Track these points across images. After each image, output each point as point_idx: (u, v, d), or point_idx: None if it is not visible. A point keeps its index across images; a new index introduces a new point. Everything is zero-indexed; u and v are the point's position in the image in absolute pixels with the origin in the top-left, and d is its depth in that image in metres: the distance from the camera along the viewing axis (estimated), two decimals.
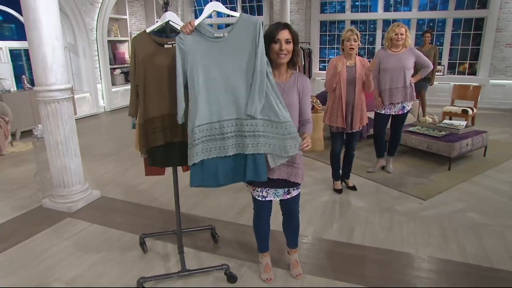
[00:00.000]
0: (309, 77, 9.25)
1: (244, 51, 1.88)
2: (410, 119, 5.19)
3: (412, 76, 3.92)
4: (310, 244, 2.85)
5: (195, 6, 11.00)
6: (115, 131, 6.83)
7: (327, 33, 10.25)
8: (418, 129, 4.84)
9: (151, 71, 2.11)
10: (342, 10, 9.82)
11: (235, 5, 10.58)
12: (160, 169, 2.51)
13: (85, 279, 2.43)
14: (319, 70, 10.29)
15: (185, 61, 1.87)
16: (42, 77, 3.17)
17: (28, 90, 6.37)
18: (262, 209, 2.28)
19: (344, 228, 3.06)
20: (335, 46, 10.14)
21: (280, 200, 2.24)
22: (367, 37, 9.78)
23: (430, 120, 5.06)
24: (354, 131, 3.51)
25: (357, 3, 9.72)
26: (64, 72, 3.27)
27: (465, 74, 8.93)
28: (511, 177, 4.14)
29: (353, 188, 3.82)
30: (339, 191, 3.75)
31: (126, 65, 8.73)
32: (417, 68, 4.01)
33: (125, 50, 8.92)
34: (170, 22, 2.22)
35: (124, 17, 8.74)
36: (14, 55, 7.07)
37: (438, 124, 4.89)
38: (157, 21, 2.34)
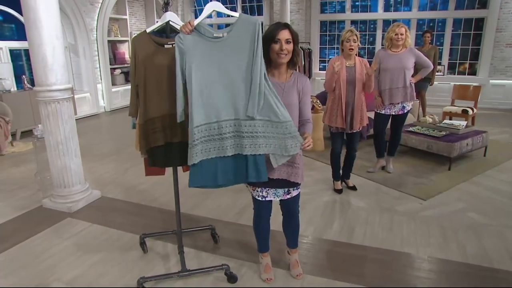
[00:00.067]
0: (309, 77, 9.25)
1: (243, 51, 1.88)
2: (410, 119, 5.19)
3: (412, 76, 3.92)
4: (310, 244, 2.85)
5: (195, 6, 11.01)
6: (115, 131, 6.83)
7: (327, 33, 10.25)
8: (418, 129, 4.84)
9: (151, 71, 2.11)
10: (342, 10, 9.82)
11: (235, 5, 10.59)
12: (160, 169, 2.51)
13: (85, 279, 2.43)
14: (319, 70, 10.29)
15: (184, 60, 1.87)
16: (42, 77, 3.17)
17: (28, 90, 6.37)
18: (262, 209, 2.28)
19: (344, 228, 3.06)
20: (335, 46, 10.14)
21: (280, 200, 2.24)
22: (367, 37, 9.78)
23: (430, 120, 5.06)
24: (354, 131, 3.51)
25: (357, 3, 9.72)
26: (64, 72, 3.27)
27: (465, 74, 8.93)
28: (511, 177, 4.14)
29: (353, 188, 3.82)
30: (339, 191, 3.75)
31: (126, 65, 8.73)
32: (417, 68, 4.01)
33: (125, 50, 8.92)
34: (170, 22, 2.22)
35: (124, 17, 8.74)
36: (14, 55, 7.07)
37: (438, 124, 4.89)
38: (157, 21, 2.34)
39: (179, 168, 2.43)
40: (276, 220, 2.44)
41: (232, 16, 1.96)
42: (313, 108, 4.87)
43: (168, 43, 2.13)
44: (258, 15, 10.42)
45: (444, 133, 4.63)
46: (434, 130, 4.75)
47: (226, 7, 2.12)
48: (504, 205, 3.45)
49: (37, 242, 2.88)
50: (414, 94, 3.96)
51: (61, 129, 3.28)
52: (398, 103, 3.93)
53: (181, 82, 1.89)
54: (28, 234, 2.99)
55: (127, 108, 2.42)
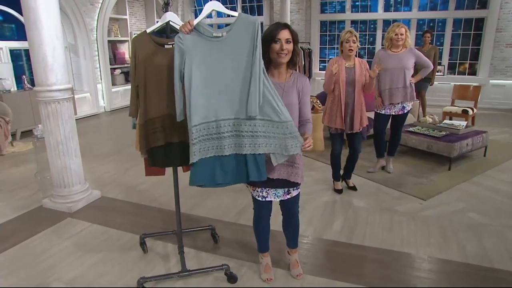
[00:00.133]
0: (309, 77, 9.24)
1: (242, 51, 1.88)
2: (410, 119, 5.19)
3: (412, 76, 3.92)
4: (310, 244, 2.85)
5: (195, 6, 11.01)
6: (115, 131, 6.83)
7: (327, 33, 10.25)
8: (418, 129, 4.84)
9: (152, 72, 2.11)
10: (342, 10, 9.82)
11: (235, 5, 10.59)
12: (160, 169, 2.51)
13: (85, 279, 2.43)
14: (319, 70, 10.29)
15: (183, 60, 1.87)
16: (42, 77, 3.17)
17: (28, 90, 6.37)
18: (262, 209, 2.28)
19: (344, 228, 3.06)
20: (335, 46, 10.14)
21: (280, 200, 2.24)
22: (367, 37, 9.78)
23: (430, 120, 5.06)
24: (355, 132, 3.51)
25: (357, 3, 9.72)
26: (65, 72, 3.27)
27: (465, 74, 8.93)
28: (511, 177, 4.14)
29: (353, 188, 3.82)
30: (339, 191, 3.75)
31: (126, 65, 8.73)
32: (417, 68, 4.01)
33: (125, 50, 8.92)
34: (171, 23, 2.22)
35: (124, 17, 8.74)
36: (14, 55, 7.07)
37: (438, 124, 4.89)
38: (157, 21, 2.35)
39: (179, 168, 2.43)
40: (276, 220, 2.44)
41: (232, 15, 1.96)
42: (313, 108, 4.88)
43: (168, 43, 2.14)
44: (258, 15, 10.42)
45: (444, 133, 4.63)
46: (434, 130, 4.75)
47: (226, 7, 2.12)
48: (504, 205, 3.45)
49: (37, 242, 2.89)
50: (414, 94, 3.96)
51: (61, 129, 3.28)
52: (398, 103, 3.93)
53: (179, 82, 1.90)
54: (28, 234, 2.99)
55: (127, 108, 2.43)
